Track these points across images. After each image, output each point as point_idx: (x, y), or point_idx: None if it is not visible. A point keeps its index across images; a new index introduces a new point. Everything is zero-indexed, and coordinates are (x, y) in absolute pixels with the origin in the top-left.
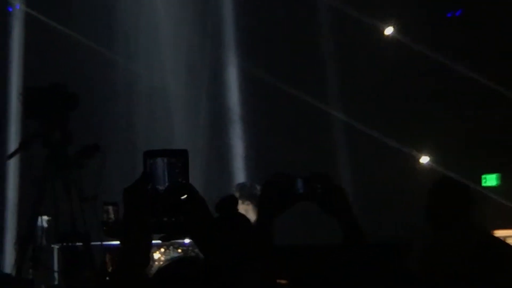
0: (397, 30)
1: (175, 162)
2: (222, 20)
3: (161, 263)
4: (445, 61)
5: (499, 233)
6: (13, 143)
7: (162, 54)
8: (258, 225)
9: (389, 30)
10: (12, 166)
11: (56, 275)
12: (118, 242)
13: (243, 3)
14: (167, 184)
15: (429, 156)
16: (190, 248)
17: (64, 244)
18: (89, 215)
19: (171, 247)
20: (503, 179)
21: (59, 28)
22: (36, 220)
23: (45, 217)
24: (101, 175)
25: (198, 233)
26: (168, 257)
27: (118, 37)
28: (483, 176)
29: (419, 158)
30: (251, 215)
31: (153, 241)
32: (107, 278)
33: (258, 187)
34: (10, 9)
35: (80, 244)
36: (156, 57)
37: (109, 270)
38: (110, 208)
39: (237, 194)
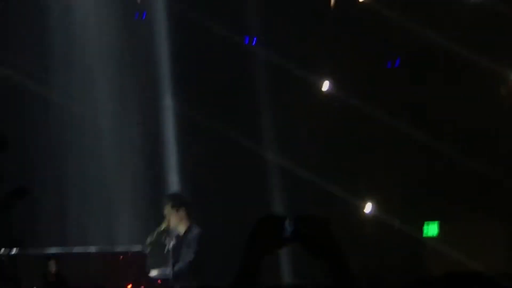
0: (333, 84)
1: None
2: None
3: None
4: (383, 113)
5: None
6: None
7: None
8: (245, 265)
9: (325, 85)
10: None
11: None
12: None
13: (177, 42)
14: None
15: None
16: None
17: None
18: None
19: None
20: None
21: None
22: None
23: None
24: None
25: None
26: None
27: (50, 71)
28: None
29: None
30: (185, 222)
31: None
32: None
33: (188, 197)
34: None
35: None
36: (88, 89)
37: (51, 280)
38: (52, 262)
39: (169, 204)
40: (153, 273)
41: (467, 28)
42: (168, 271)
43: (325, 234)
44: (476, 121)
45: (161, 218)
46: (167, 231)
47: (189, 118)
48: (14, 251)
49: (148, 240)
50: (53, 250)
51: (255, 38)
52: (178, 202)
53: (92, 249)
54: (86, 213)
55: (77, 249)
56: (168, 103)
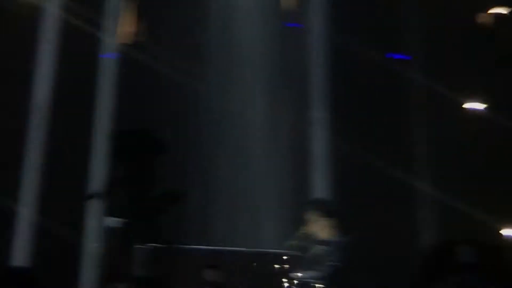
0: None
1: None
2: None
3: None
4: None
5: None
6: (96, 183)
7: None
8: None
9: (469, 104)
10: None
11: None
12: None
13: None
14: None
15: None
16: None
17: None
18: None
19: None
20: None
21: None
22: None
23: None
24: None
25: None
26: None
27: (208, 73)
28: None
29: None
30: (329, 230)
31: None
32: None
33: (335, 205)
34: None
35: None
36: (243, 95)
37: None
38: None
39: (316, 210)
40: (296, 275)
41: None
42: (309, 275)
43: (502, 261)
44: None
45: (303, 222)
46: (309, 236)
47: (338, 132)
48: (171, 246)
49: (291, 243)
50: (209, 249)
51: (408, 57)
52: (325, 210)
53: (243, 250)
54: (233, 215)
55: (231, 249)
56: (318, 115)
